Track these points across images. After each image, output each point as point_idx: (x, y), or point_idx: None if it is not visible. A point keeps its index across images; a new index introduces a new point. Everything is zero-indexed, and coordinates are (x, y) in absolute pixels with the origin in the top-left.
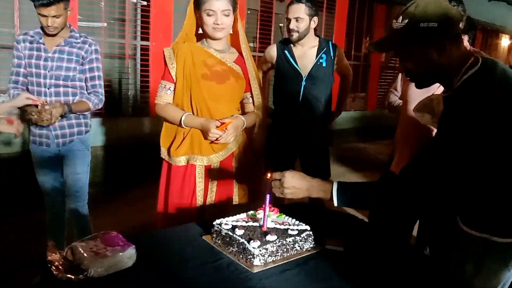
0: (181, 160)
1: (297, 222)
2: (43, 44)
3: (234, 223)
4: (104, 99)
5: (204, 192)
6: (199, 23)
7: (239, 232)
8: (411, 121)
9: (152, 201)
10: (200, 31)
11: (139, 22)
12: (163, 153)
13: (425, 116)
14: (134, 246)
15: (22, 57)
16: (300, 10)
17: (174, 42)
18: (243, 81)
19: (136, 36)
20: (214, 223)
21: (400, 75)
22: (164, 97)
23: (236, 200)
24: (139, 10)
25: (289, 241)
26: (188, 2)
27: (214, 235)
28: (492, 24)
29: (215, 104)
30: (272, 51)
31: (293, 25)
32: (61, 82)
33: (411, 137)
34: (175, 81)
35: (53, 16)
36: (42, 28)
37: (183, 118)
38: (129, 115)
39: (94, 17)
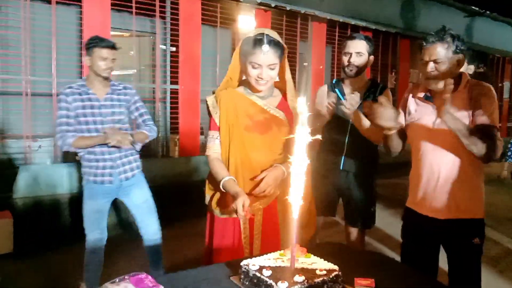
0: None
1: (325, 262)
2: (94, 94)
3: (262, 264)
4: (156, 129)
5: (249, 240)
6: (243, 70)
7: (267, 273)
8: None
9: (185, 242)
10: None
11: (168, 67)
12: (207, 200)
13: None
14: (163, 287)
15: (71, 109)
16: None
17: (217, 89)
18: (287, 128)
19: (166, 81)
20: (241, 263)
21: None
22: (212, 148)
23: (283, 245)
24: (168, 56)
25: (318, 282)
26: (215, 47)
27: (242, 276)
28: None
29: (256, 155)
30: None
31: (353, 58)
32: (116, 126)
33: None
34: (219, 129)
35: (112, 59)
36: (86, 78)
37: (222, 182)
38: (160, 156)
39: (125, 65)
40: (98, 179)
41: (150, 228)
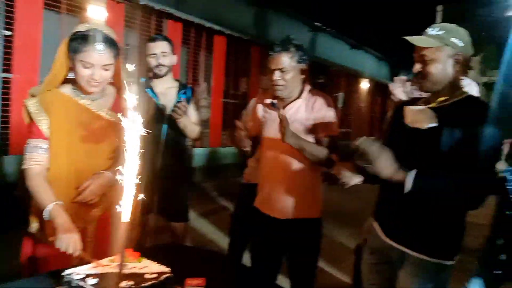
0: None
1: (157, 265)
2: None
3: (87, 272)
4: None
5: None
6: (72, 69)
7: (92, 281)
8: None
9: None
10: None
11: (0, 53)
12: (34, 229)
13: None
14: None
15: None
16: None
17: (40, 90)
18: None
19: None
20: (63, 273)
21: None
22: (34, 159)
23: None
24: (0, 41)
25: (146, 286)
26: (59, 36)
27: (65, 287)
28: (353, 69)
29: (90, 163)
30: None
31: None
32: None
33: None
34: (47, 137)
35: None
36: None
37: (48, 210)
38: None
39: None
40: None
41: None
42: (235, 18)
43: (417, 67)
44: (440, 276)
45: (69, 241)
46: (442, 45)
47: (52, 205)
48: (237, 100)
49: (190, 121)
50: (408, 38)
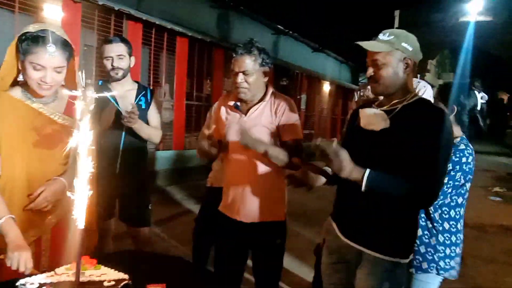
0: None
1: (115, 272)
2: None
3: (42, 281)
4: None
5: (35, 258)
6: (21, 70)
7: None
8: None
9: None
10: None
11: None
12: None
13: None
14: None
15: None
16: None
17: None
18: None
19: None
20: (17, 283)
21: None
22: None
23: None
24: None
25: None
26: (12, 36)
27: None
28: (315, 72)
29: (41, 169)
30: None
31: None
32: None
33: None
34: None
35: None
36: None
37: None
38: None
39: None
40: None
41: None
42: (197, 20)
43: (370, 71)
44: (396, 274)
45: (20, 259)
46: (392, 49)
47: (3, 219)
48: (200, 102)
49: (146, 126)
50: (360, 43)
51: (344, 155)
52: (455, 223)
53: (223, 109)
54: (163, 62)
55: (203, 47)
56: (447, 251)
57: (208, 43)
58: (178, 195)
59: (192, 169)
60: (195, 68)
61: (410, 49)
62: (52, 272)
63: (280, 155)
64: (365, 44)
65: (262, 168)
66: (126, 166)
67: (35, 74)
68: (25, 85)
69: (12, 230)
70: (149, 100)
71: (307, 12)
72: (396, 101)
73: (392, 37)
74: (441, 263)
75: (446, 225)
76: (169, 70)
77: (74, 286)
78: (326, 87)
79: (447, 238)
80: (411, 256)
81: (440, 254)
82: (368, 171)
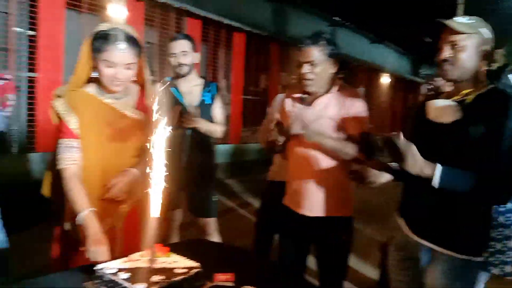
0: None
1: (186, 260)
2: None
3: (119, 267)
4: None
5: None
6: (95, 67)
7: (124, 275)
8: None
9: (39, 247)
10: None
11: (25, 53)
12: (67, 227)
13: None
14: None
15: None
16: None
17: (66, 91)
18: (147, 129)
19: (21, 68)
20: (95, 268)
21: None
22: (69, 159)
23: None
24: (26, 40)
25: (177, 280)
26: (81, 35)
27: (97, 281)
28: (374, 64)
29: (116, 162)
30: None
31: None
32: None
33: None
34: (79, 136)
35: None
36: None
37: (82, 216)
38: (16, 152)
39: None
40: None
41: None
42: (254, 15)
43: (446, 53)
44: (468, 272)
45: (98, 254)
46: (474, 32)
47: (86, 212)
48: (256, 97)
49: (206, 123)
50: (445, 21)
51: (414, 150)
52: None
53: (288, 101)
54: (220, 57)
55: (260, 42)
56: None
57: (264, 37)
58: (236, 188)
59: (248, 163)
60: (252, 62)
61: (488, 36)
62: (127, 258)
63: (345, 148)
64: (451, 22)
65: (326, 161)
66: (193, 158)
67: (108, 71)
68: (98, 82)
69: (92, 223)
70: (214, 95)
71: (364, 3)
72: (468, 90)
73: (473, 21)
74: None
75: None
76: (226, 65)
77: (149, 272)
78: (385, 79)
79: None
80: (485, 254)
81: None
82: (440, 166)
